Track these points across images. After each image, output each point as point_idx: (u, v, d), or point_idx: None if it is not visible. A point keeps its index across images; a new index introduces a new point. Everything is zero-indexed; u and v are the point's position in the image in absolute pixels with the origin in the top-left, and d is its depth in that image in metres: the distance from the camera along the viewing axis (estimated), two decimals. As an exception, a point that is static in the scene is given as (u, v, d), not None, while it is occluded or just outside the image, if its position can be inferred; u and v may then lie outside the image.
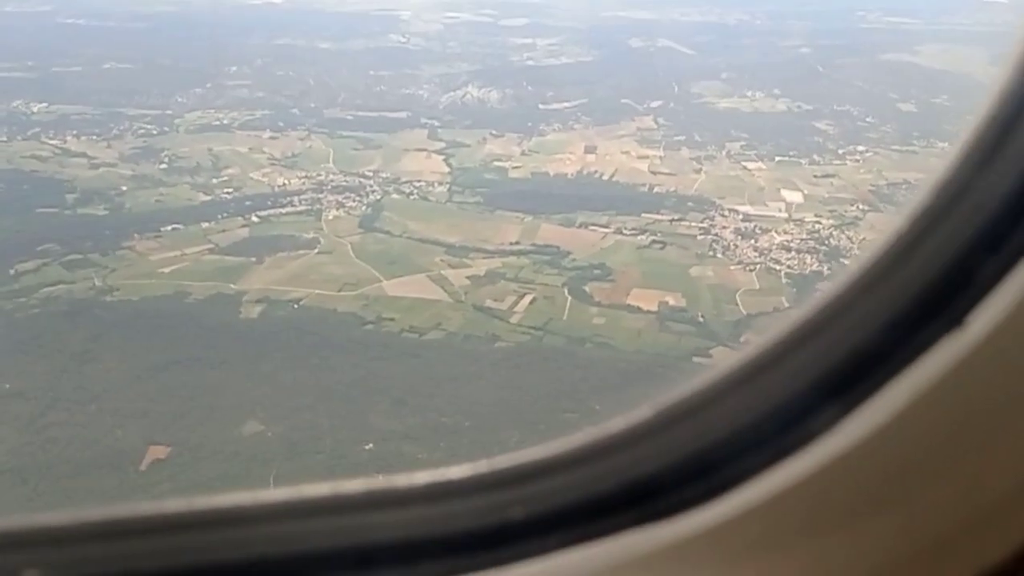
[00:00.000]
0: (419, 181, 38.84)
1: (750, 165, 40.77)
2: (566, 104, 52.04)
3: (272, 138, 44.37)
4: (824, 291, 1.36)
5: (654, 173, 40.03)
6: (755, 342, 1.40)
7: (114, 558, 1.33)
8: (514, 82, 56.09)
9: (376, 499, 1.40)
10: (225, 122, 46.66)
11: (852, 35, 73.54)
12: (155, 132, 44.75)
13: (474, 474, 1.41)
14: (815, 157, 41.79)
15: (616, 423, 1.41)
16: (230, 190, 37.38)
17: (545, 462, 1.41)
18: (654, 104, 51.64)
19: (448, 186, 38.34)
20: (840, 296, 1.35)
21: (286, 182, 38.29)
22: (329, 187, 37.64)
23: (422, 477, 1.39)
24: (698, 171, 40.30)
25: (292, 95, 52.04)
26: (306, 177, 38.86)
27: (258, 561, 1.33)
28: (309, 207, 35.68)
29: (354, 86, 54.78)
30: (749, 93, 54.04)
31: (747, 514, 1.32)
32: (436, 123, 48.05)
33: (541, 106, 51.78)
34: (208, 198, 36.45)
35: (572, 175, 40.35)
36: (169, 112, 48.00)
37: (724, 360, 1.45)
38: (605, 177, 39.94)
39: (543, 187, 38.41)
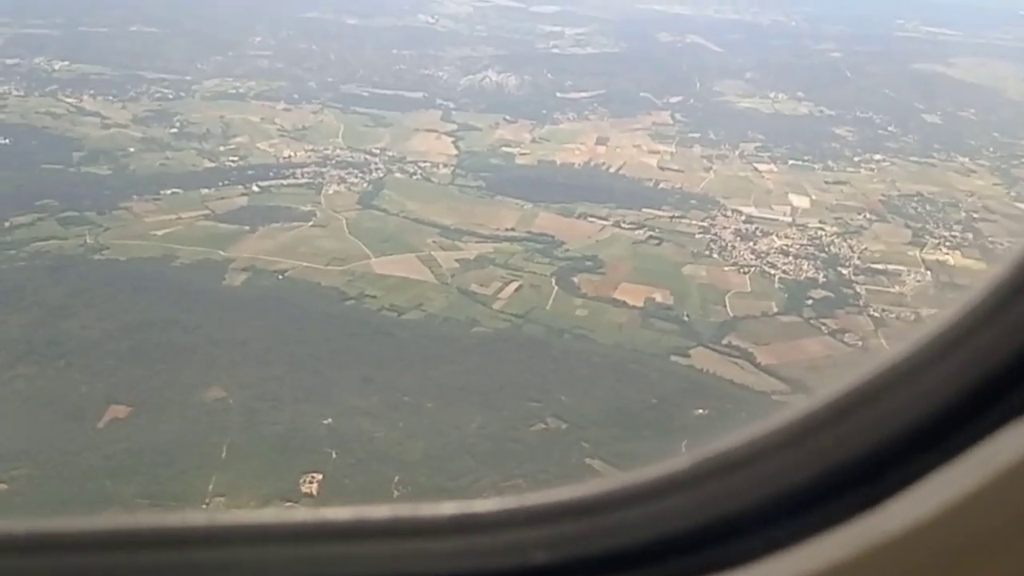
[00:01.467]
0: (424, 162, 38.69)
1: (761, 167, 40.20)
2: (584, 94, 51.58)
3: (286, 109, 44.49)
4: (888, 353, 1.25)
5: (663, 169, 39.62)
6: (808, 400, 1.30)
7: (123, 571, 1.29)
8: (534, 69, 55.62)
9: (398, 528, 1.34)
10: (241, 91, 46.86)
11: (887, 42, 72.18)
12: (171, 96, 45.05)
13: (501, 509, 1.34)
14: (829, 163, 41.12)
15: (651, 470, 1.33)
16: (235, 158, 37.49)
17: (573, 504, 1.33)
18: (673, 99, 51.07)
19: (452, 168, 38.18)
20: (905, 360, 1.24)
21: (292, 154, 38.34)
22: (333, 162, 37.63)
23: (448, 508, 1.33)
24: (708, 169, 39.83)
25: (311, 68, 52.10)
26: (312, 150, 38.89)
27: None
28: (311, 180, 35.68)
29: (374, 63, 54.69)
30: (772, 94, 53.24)
31: None
32: (451, 105, 47.90)
33: (559, 94, 51.38)
34: (212, 165, 36.58)
35: (579, 165, 40.04)
36: (188, 78, 48.23)
37: (772, 416, 1.33)
38: (612, 169, 39.58)
39: (548, 175, 38.12)
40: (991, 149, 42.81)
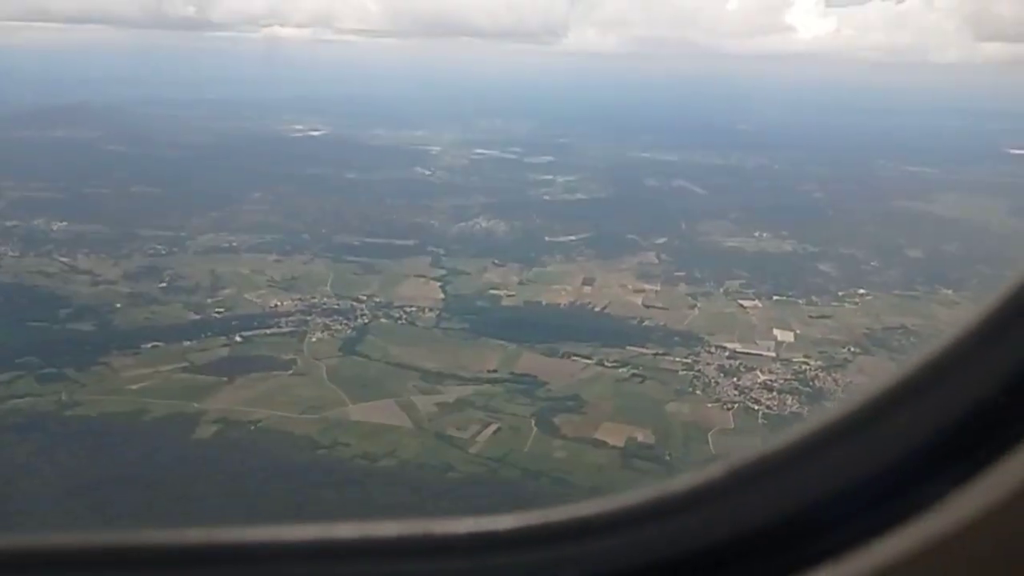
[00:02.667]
0: (411, 307, 38.90)
1: (746, 303, 40.33)
2: (571, 237, 52.56)
3: (277, 261, 45.23)
4: (934, 344, 1.23)
5: (647, 307, 39.74)
6: (851, 397, 1.25)
7: None
8: (524, 215, 57.00)
9: (410, 546, 1.27)
10: (235, 244, 47.78)
11: (868, 182, 74.17)
12: (164, 252, 45.88)
13: (523, 526, 1.27)
14: (813, 298, 41.24)
15: (684, 481, 1.27)
16: (221, 310, 37.74)
17: (602, 518, 1.27)
18: (659, 240, 51.92)
19: (438, 312, 38.31)
20: (954, 349, 1.22)
21: (279, 303, 38.62)
22: (319, 310, 37.85)
23: (464, 525, 1.27)
24: (692, 307, 39.93)
25: (306, 221, 53.35)
26: (299, 299, 39.19)
27: None
28: (295, 328, 35.75)
29: (368, 213, 56.11)
30: (756, 233, 54.16)
31: None
32: (442, 251, 48.72)
33: (547, 238, 52.35)
34: (198, 317, 36.78)
35: (565, 305, 40.21)
36: (183, 234, 49.36)
37: (811, 416, 1.30)
38: (597, 309, 39.72)
39: (533, 316, 38.21)
40: (976, 281, 42.94)
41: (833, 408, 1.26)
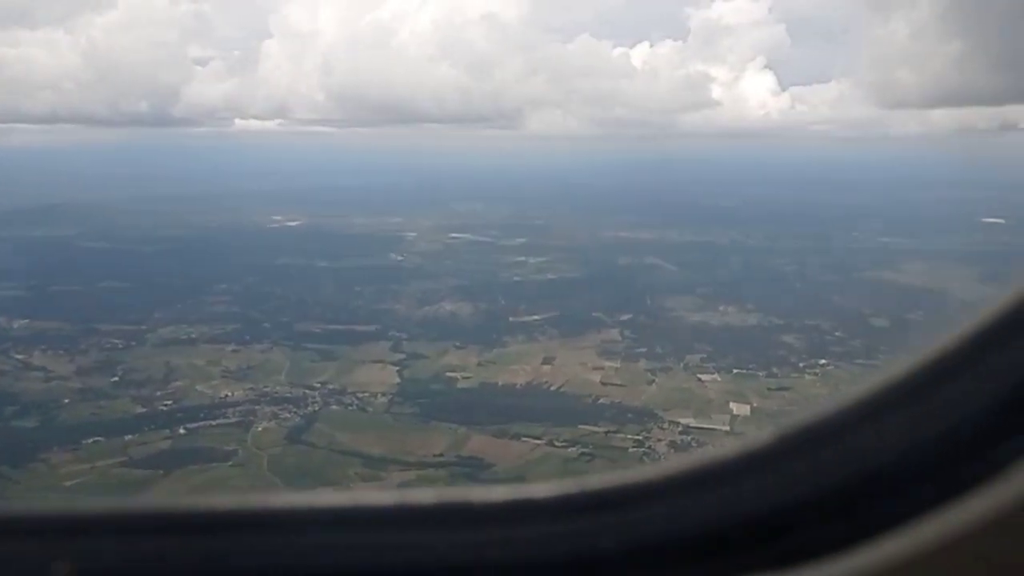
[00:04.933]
0: (363, 392, 38.42)
1: (705, 377, 39.88)
2: (535, 317, 52.31)
3: (234, 351, 44.80)
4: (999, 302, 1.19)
5: (605, 384, 39.29)
6: (920, 352, 1.22)
7: (151, 553, 1.22)
8: (491, 297, 57.00)
9: (445, 514, 1.25)
10: (193, 336, 47.42)
11: (840, 253, 74.57)
12: (121, 347, 45.40)
13: (560, 494, 1.24)
14: (774, 370, 40.85)
15: (732, 446, 1.23)
16: (169, 402, 37.21)
17: (645, 486, 1.24)
18: (624, 317, 51.72)
19: (390, 397, 37.78)
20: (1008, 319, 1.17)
21: (229, 394, 38.12)
22: (269, 399, 37.32)
23: (500, 493, 1.25)
24: (650, 382, 39.48)
25: (267, 310, 53.18)
26: (251, 389, 38.70)
27: (313, 571, 1.21)
28: (242, 419, 35.17)
29: (332, 301, 56.02)
30: (721, 307, 54.04)
31: (896, 569, 1.12)
32: (404, 336, 48.37)
33: (511, 319, 52.14)
34: (144, 410, 36.21)
35: (521, 385, 39.73)
36: (143, 327, 49.03)
37: (872, 375, 1.23)
38: (553, 388, 39.24)
39: (487, 398, 37.70)
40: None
41: (887, 371, 1.21)
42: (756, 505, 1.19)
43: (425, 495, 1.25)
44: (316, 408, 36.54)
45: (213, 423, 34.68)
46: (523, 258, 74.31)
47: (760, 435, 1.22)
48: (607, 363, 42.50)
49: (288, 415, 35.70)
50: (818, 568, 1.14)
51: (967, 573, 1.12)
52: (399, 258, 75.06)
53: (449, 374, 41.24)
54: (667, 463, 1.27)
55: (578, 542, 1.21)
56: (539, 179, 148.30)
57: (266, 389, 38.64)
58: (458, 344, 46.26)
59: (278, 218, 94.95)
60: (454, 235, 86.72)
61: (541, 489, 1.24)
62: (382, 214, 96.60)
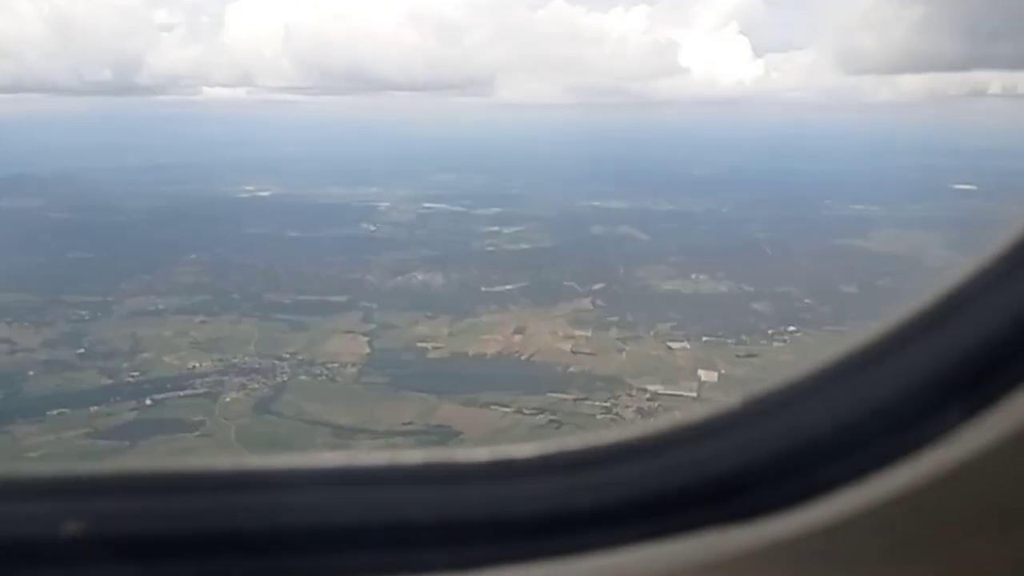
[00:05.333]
0: (333, 363, 38.25)
1: (675, 345, 40.08)
2: (508, 287, 52.32)
3: (203, 322, 44.39)
4: (951, 274, 1.24)
5: (575, 353, 39.38)
6: (869, 328, 1.29)
7: (159, 514, 1.28)
8: (462, 266, 56.80)
9: (433, 474, 1.33)
10: (161, 307, 46.95)
11: (812, 221, 74.89)
12: (88, 318, 44.89)
13: (539, 455, 1.32)
14: (743, 337, 41.14)
15: (700, 411, 1.31)
16: (136, 374, 36.84)
17: (618, 447, 1.31)
18: (596, 287, 51.77)
19: (360, 367, 37.66)
20: (975, 279, 1.23)
21: (197, 364, 37.81)
22: (237, 370, 37.06)
23: (483, 454, 1.32)
24: (621, 351, 39.62)
25: (238, 281, 52.69)
26: (220, 360, 38.41)
27: (303, 529, 1.28)
28: (209, 390, 34.93)
29: (304, 271, 55.59)
30: (693, 276, 54.20)
31: (844, 524, 1.20)
32: (374, 306, 48.15)
33: (483, 288, 52.05)
34: (110, 382, 35.84)
35: (491, 355, 39.73)
36: (110, 298, 48.45)
37: (829, 347, 1.31)
38: (524, 357, 39.29)
39: (457, 367, 37.71)
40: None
41: (849, 339, 1.28)
42: (721, 464, 1.26)
43: (413, 455, 1.30)
44: (285, 379, 36.34)
45: (180, 394, 34.40)
46: (497, 228, 73.91)
47: (728, 399, 1.28)
48: (578, 332, 42.59)
49: (256, 386, 35.47)
50: (779, 520, 1.21)
51: (916, 524, 1.20)
52: (372, 228, 74.49)
53: (420, 344, 41.15)
54: (640, 424, 1.35)
55: (556, 498, 1.28)
56: (513, 148, 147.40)
57: (234, 360, 38.35)
58: (429, 314, 46.16)
59: (249, 188, 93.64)
60: (428, 205, 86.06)
61: (522, 450, 1.30)
62: (355, 184, 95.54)
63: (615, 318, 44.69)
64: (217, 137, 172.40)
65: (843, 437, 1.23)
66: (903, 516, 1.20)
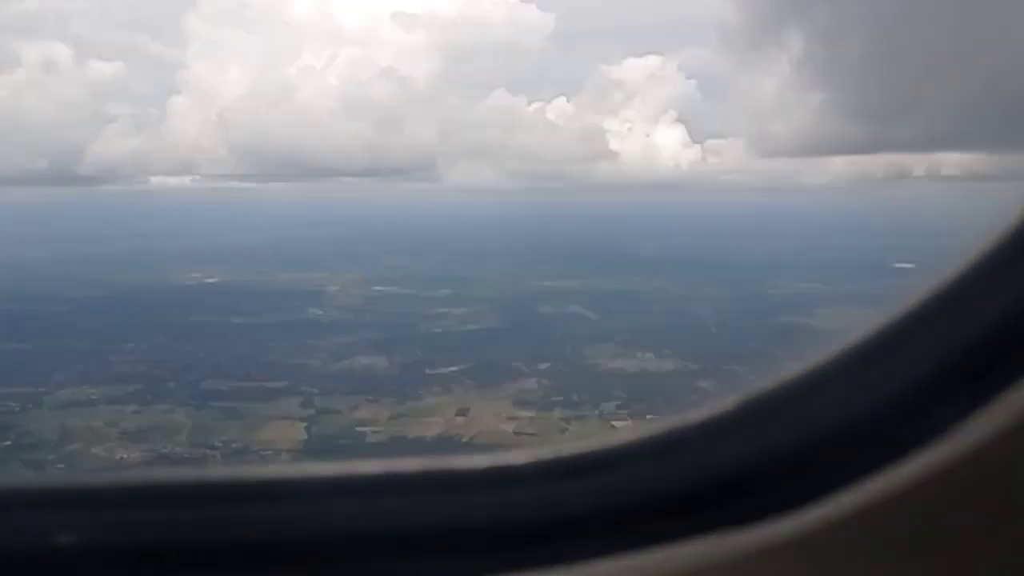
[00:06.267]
0: (267, 450, 37.16)
1: (618, 424, 39.69)
2: (453, 368, 51.78)
3: (135, 412, 43.12)
4: (946, 271, 1.23)
5: (518, 434, 39.01)
6: (864, 326, 1.28)
7: (154, 524, 1.27)
8: (407, 349, 56.24)
9: (430, 481, 1.33)
10: (94, 397, 45.51)
11: (759, 300, 76.09)
12: (17, 410, 43.39)
13: (536, 460, 1.33)
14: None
15: (697, 413, 1.31)
16: (62, 465, 35.57)
17: (615, 452, 1.33)
18: (542, 366, 51.52)
19: (294, 454, 36.60)
20: (971, 273, 1.23)
21: (125, 455, 36.58)
22: (166, 460, 35.96)
23: (481, 461, 1.33)
24: (563, 431, 39.27)
25: (175, 369, 51.43)
26: (149, 450, 37.23)
27: (302, 538, 1.27)
28: (134, 482, 33.57)
29: (245, 357, 54.56)
30: (639, 354, 54.32)
31: (846, 523, 1.21)
32: (315, 391, 47.19)
33: (427, 371, 51.44)
34: (35, 475, 34.27)
35: (432, 438, 39.04)
36: (42, 389, 46.86)
37: (826, 347, 1.32)
38: (465, 439, 38.66)
39: (397, 452, 36.74)
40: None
41: (844, 339, 1.28)
42: (720, 466, 1.25)
43: (411, 463, 1.30)
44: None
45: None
46: (446, 309, 73.74)
47: (724, 402, 1.27)
48: (522, 412, 42.19)
49: (185, 476, 34.20)
50: (779, 521, 1.20)
51: (917, 522, 1.18)
52: (319, 312, 73.76)
53: (359, 428, 40.40)
54: (637, 429, 1.31)
55: (555, 505, 1.28)
56: (463, 231, 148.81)
57: (164, 450, 37.19)
58: (371, 398, 45.38)
59: (196, 274, 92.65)
60: (377, 288, 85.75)
61: (520, 456, 1.30)
62: (303, 269, 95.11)
63: (559, 398, 44.41)
64: (163, 226, 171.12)
65: (842, 436, 1.23)
66: (903, 514, 1.19)
